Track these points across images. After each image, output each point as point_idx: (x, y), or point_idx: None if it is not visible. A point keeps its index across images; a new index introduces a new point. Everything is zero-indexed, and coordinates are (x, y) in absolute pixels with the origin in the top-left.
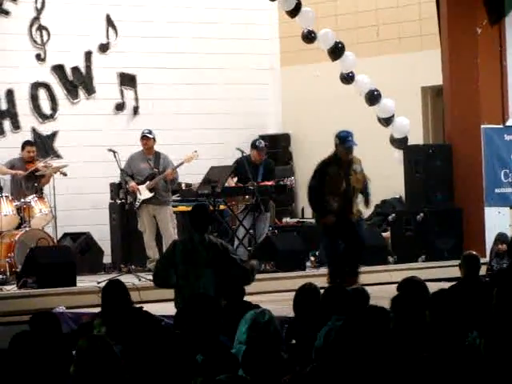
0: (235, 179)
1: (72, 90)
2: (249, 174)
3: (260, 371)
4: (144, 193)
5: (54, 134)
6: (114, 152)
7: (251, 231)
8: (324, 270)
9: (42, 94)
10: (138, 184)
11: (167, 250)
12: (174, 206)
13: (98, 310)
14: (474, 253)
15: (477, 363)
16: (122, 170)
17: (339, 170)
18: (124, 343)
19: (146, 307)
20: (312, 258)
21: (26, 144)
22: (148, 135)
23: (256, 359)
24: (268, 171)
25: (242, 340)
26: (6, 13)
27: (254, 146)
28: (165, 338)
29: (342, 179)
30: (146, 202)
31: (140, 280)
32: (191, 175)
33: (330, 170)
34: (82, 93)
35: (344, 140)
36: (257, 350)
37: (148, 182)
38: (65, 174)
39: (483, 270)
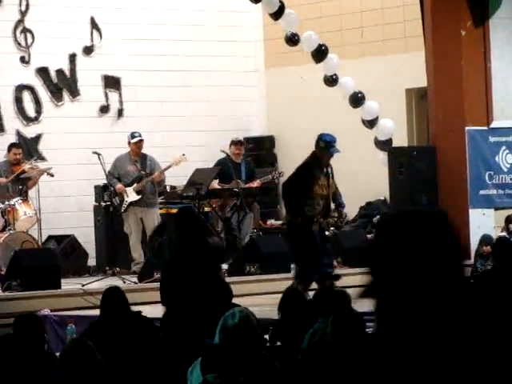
0: (217, 180)
1: (56, 93)
2: (232, 173)
3: (235, 372)
4: (131, 195)
5: (38, 137)
6: (99, 154)
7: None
8: None
9: (27, 96)
10: (125, 186)
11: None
12: (159, 209)
13: (82, 312)
14: None
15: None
16: (108, 172)
17: (322, 173)
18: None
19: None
20: None
21: (12, 146)
22: (141, 138)
23: (229, 362)
24: (250, 170)
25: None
26: None
27: (232, 142)
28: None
29: (325, 182)
30: (132, 204)
31: (125, 282)
32: (176, 177)
33: (316, 173)
34: (66, 95)
35: (330, 145)
36: (230, 353)
37: (135, 185)
38: (52, 175)
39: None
